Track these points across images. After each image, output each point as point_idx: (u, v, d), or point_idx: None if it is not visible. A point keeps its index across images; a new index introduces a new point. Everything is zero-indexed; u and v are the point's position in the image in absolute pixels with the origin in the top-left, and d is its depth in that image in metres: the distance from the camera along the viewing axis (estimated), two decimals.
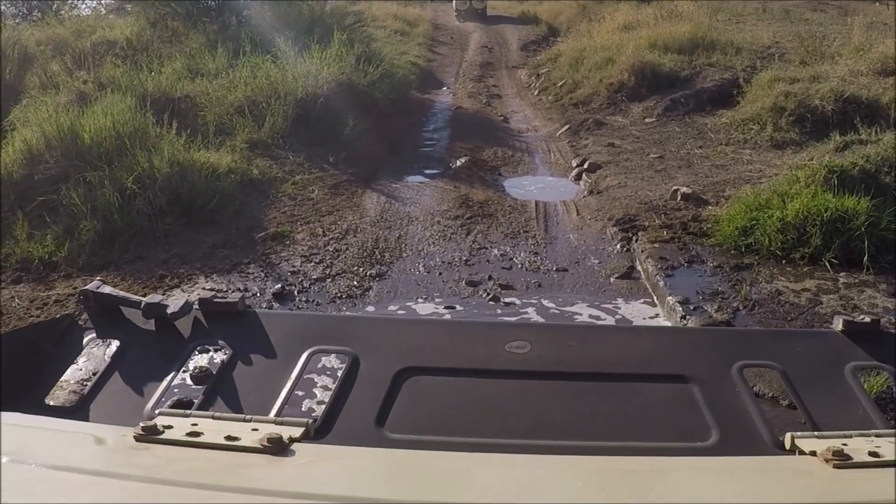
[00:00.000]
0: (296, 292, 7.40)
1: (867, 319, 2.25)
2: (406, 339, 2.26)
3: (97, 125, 9.83)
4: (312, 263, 8.07)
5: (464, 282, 7.71)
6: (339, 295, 7.42)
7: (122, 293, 2.28)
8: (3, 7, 28.71)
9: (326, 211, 9.69)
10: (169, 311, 2.18)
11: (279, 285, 7.42)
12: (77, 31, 19.03)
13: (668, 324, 6.83)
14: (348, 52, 14.73)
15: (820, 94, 12.78)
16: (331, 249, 8.44)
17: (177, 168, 9.30)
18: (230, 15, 18.63)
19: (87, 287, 2.26)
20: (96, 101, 10.73)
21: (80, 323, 2.30)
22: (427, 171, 12.51)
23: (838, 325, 2.23)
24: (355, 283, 7.66)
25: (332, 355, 2.17)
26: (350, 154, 12.17)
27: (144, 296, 2.28)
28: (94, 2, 29.72)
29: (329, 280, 7.70)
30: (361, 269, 7.97)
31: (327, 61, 13.96)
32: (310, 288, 7.52)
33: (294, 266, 7.99)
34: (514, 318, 7.01)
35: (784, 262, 7.77)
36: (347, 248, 8.48)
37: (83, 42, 16.74)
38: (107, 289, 2.28)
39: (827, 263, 7.57)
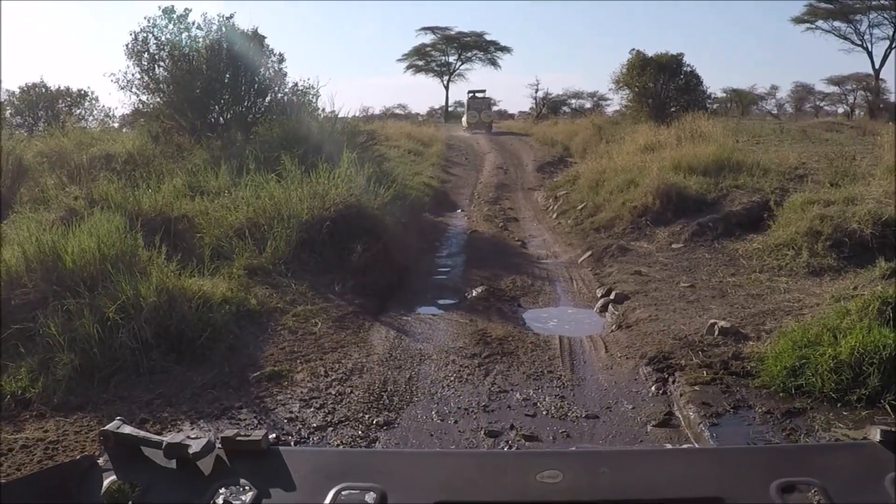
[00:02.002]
0: (292, 444, 6.51)
1: None
2: (435, 472, 2.13)
3: (81, 247, 9.08)
4: (312, 409, 7.20)
5: (482, 432, 6.83)
6: (340, 447, 6.54)
7: (142, 433, 2.14)
8: (9, 118, 28.74)
9: (330, 347, 8.86)
10: (191, 450, 2.04)
11: (273, 435, 6.51)
12: (80, 143, 18.65)
13: None
14: (358, 172, 14.07)
15: (857, 216, 12.16)
16: (333, 392, 7.58)
17: (165, 297, 8.46)
18: (236, 131, 18.31)
19: (107, 427, 2.12)
20: (85, 220, 10.06)
21: (100, 464, 2.12)
22: (441, 302, 11.73)
23: (876, 435, 2.11)
24: (360, 432, 6.79)
25: (360, 492, 1.76)
26: (358, 282, 11.46)
27: (159, 434, 2.25)
28: (103, 115, 29.90)
29: (330, 429, 6.84)
30: (367, 417, 7.10)
31: (335, 182, 13.31)
32: (308, 438, 6.65)
33: (291, 412, 7.13)
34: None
35: (839, 405, 6.89)
36: (352, 391, 7.63)
37: (80, 155, 16.26)
38: (127, 429, 2.14)
39: (887, 406, 6.71)
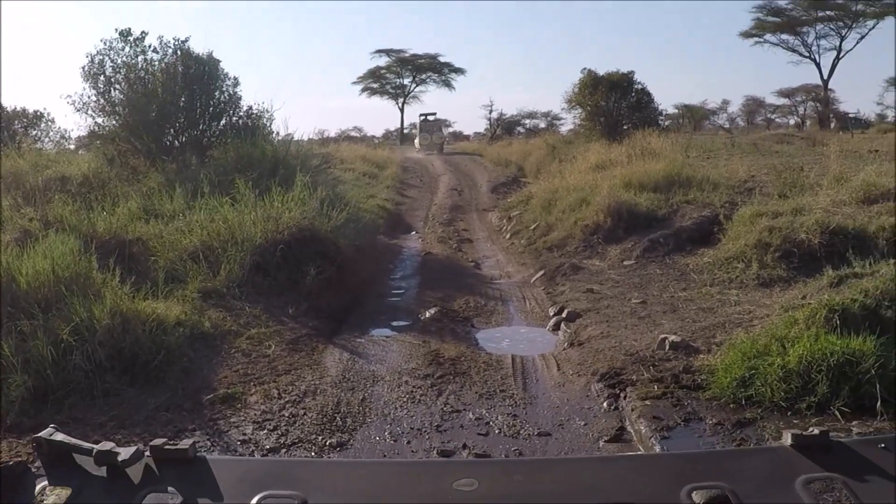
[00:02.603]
0: None
1: (816, 431, 2.22)
2: (356, 481, 2.23)
3: (35, 268, 9.05)
4: (265, 431, 7.19)
5: (435, 451, 6.84)
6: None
7: (74, 440, 2.20)
8: None
9: (283, 370, 8.84)
10: (120, 458, 2.10)
11: (227, 457, 6.49)
12: (36, 165, 18.58)
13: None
14: (311, 195, 14.08)
15: (805, 227, 12.27)
16: (287, 414, 7.56)
17: (119, 319, 8.42)
18: (191, 154, 18.28)
19: (39, 434, 2.17)
20: (40, 241, 10.04)
21: (34, 470, 2.16)
22: (394, 324, 11.71)
23: (787, 439, 2.20)
24: (312, 454, 6.79)
25: (282, 500, 1.81)
26: (311, 305, 11.46)
27: (96, 443, 2.21)
28: (59, 136, 29.68)
29: (284, 451, 6.84)
30: (320, 438, 7.10)
31: (288, 205, 13.33)
32: None
33: (245, 434, 7.11)
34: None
35: (790, 413, 6.94)
36: (305, 413, 7.62)
37: (36, 177, 16.15)
38: (60, 436, 2.19)
39: (837, 412, 6.78)
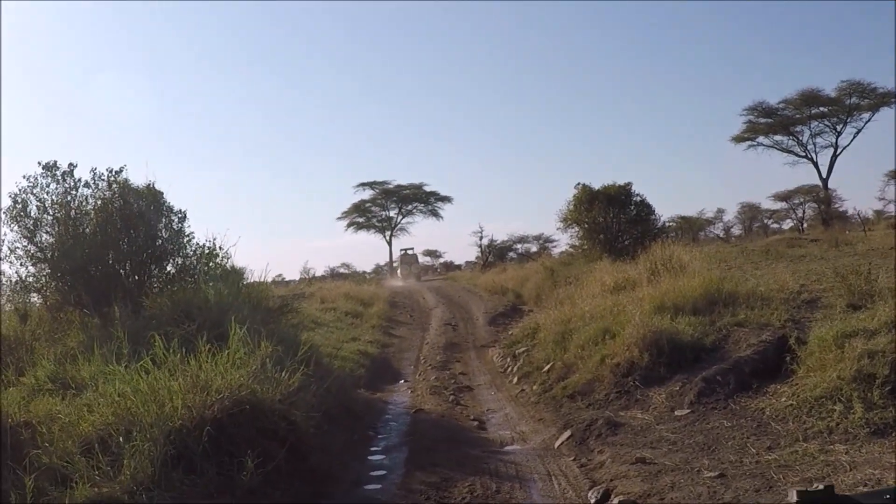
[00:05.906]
0: None
1: (821, 487, 2.36)
2: None
3: None
4: None
5: None
6: None
7: None
8: None
9: None
10: None
11: None
12: None
13: None
14: (252, 353, 10.73)
15: None
16: None
17: None
18: (115, 307, 15.13)
19: None
20: None
21: None
22: None
23: (793, 496, 2.35)
24: None
25: None
26: None
27: None
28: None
29: None
30: None
31: (219, 368, 10.04)
32: None
33: None
34: None
35: None
36: None
37: None
38: None
39: None
